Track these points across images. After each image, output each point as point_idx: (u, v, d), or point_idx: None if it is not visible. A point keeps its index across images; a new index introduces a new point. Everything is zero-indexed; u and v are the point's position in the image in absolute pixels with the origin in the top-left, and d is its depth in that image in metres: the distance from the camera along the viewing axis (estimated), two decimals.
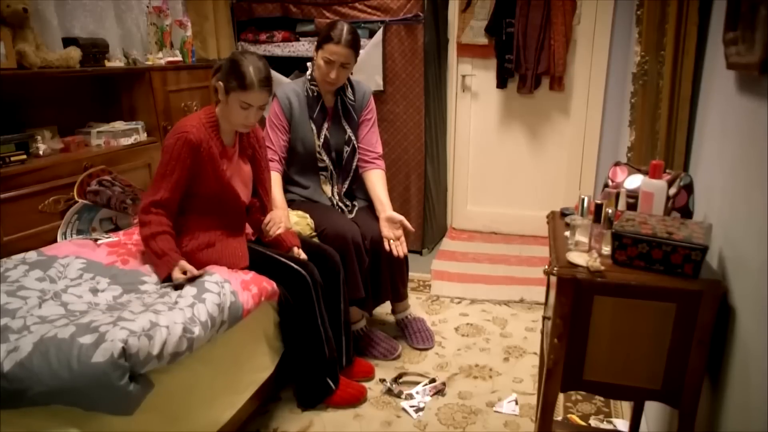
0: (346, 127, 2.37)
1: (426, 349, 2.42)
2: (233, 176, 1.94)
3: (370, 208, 2.41)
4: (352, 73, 2.38)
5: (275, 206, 2.18)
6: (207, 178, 1.84)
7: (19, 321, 1.45)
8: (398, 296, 2.44)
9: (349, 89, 2.37)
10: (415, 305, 2.72)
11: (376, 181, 2.38)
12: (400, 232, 2.25)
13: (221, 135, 1.89)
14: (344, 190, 2.42)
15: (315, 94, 2.30)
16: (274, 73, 2.86)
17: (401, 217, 2.26)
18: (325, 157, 2.33)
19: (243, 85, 1.78)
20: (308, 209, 2.29)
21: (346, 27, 2.20)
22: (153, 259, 1.80)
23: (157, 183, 1.82)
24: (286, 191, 2.35)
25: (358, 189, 2.47)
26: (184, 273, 1.74)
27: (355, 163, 2.41)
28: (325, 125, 2.32)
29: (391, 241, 2.22)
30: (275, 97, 2.31)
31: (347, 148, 2.38)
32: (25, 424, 1.29)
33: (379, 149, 2.45)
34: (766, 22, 0.99)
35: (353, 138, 2.38)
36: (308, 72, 2.33)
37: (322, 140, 2.32)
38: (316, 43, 2.26)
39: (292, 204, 2.33)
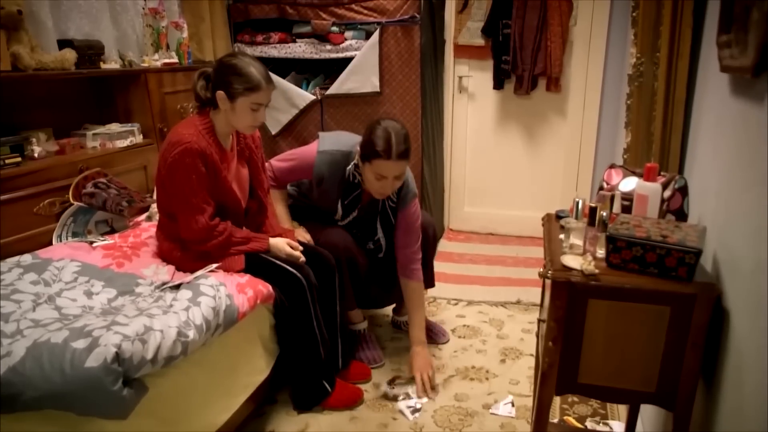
0: (378, 228, 2.20)
1: (446, 342, 2.46)
2: (233, 180, 1.93)
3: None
4: None
5: (281, 222, 2.17)
6: (210, 184, 1.84)
7: (13, 325, 1.45)
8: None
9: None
10: None
11: (413, 297, 2.22)
12: (430, 373, 2.13)
13: (219, 140, 1.88)
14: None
15: (356, 181, 2.11)
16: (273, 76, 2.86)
17: (429, 370, 2.13)
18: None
19: (252, 87, 1.78)
20: (305, 218, 2.28)
21: (393, 133, 1.93)
22: (241, 251, 1.89)
23: (192, 204, 1.79)
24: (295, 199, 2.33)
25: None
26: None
27: (378, 256, 2.27)
28: (354, 212, 2.18)
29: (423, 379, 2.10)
30: (315, 157, 2.11)
31: (370, 245, 2.24)
32: (19, 429, 1.28)
33: (418, 256, 2.23)
34: (759, 25, 0.99)
35: (382, 241, 2.22)
36: (356, 157, 2.07)
37: (345, 222, 2.20)
38: (360, 150, 2.01)
39: (291, 209, 2.33)
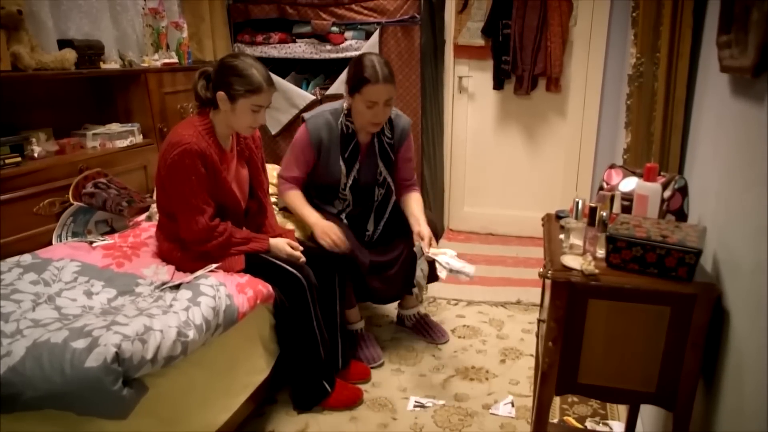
0: (381, 168, 2.24)
1: (446, 342, 2.47)
2: (232, 181, 1.93)
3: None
4: None
5: (310, 216, 2.16)
6: (209, 185, 1.84)
7: (12, 325, 1.45)
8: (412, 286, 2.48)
9: (387, 125, 2.22)
10: None
11: (411, 201, 2.30)
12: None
13: (219, 140, 1.88)
14: (379, 231, 2.31)
15: (350, 131, 2.16)
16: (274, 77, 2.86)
17: (427, 236, 2.14)
18: (348, 195, 2.25)
19: (253, 88, 1.78)
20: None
21: (376, 60, 2.04)
22: (242, 251, 1.89)
23: (192, 205, 1.79)
24: None
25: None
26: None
27: (390, 205, 2.32)
28: (356, 166, 2.21)
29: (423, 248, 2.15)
30: (306, 128, 2.17)
31: (381, 190, 2.27)
32: (19, 429, 1.28)
33: (414, 176, 2.39)
34: (759, 25, 0.99)
35: (389, 179, 2.27)
36: (344, 105, 2.16)
37: (350, 181, 2.22)
38: (346, 86, 2.11)
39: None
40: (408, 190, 2.36)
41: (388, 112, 2.13)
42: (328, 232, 2.09)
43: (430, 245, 2.13)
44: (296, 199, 2.23)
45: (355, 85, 2.05)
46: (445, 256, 2.08)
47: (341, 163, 2.19)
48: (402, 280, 2.32)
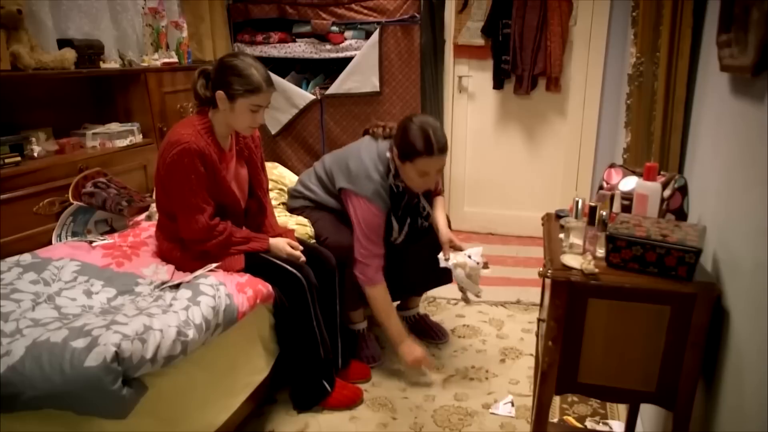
0: (424, 203, 2.24)
1: (446, 342, 2.47)
2: (232, 180, 1.93)
3: None
4: None
5: (397, 342, 2.15)
6: (209, 184, 1.83)
7: (12, 324, 1.45)
8: (423, 290, 2.53)
9: None
10: None
11: (435, 203, 2.31)
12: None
13: (218, 140, 1.88)
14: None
15: (401, 190, 2.13)
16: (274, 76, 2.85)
17: (446, 242, 2.19)
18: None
19: (252, 88, 1.77)
20: (313, 217, 2.26)
21: (431, 129, 1.95)
22: (241, 251, 1.88)
23: (192, 204, 1.79)
24: (303, 197, 2.30)
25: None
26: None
27: (419, 231, 2.30)
28: (408, 220, 2.22)
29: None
30: (377, 207, 2.06)
31: (424, 222, 2.28)
32: (19, 429, 1.28)
33: (441, 183, 2.38)
34: (759, 24, 0.99)
35: (428, 208, 2.28)
36: (391, 166, 2.07)
37: (402, 236, 2.22)
38: (397, 150, 2.00)
39: (301, 209, 2.31)
40: (436, 193, 2.36)
41: (439, 178, 2.14)
42: (421, 360, 2.13)
43: (451, 248, 2.18)
44: (383, 300, 2.13)
45: (407, 154, 1.98)
46: (463, 271, 2.13)
47: (394, 221, 2.18)
48: (404, 279, 2.32)
